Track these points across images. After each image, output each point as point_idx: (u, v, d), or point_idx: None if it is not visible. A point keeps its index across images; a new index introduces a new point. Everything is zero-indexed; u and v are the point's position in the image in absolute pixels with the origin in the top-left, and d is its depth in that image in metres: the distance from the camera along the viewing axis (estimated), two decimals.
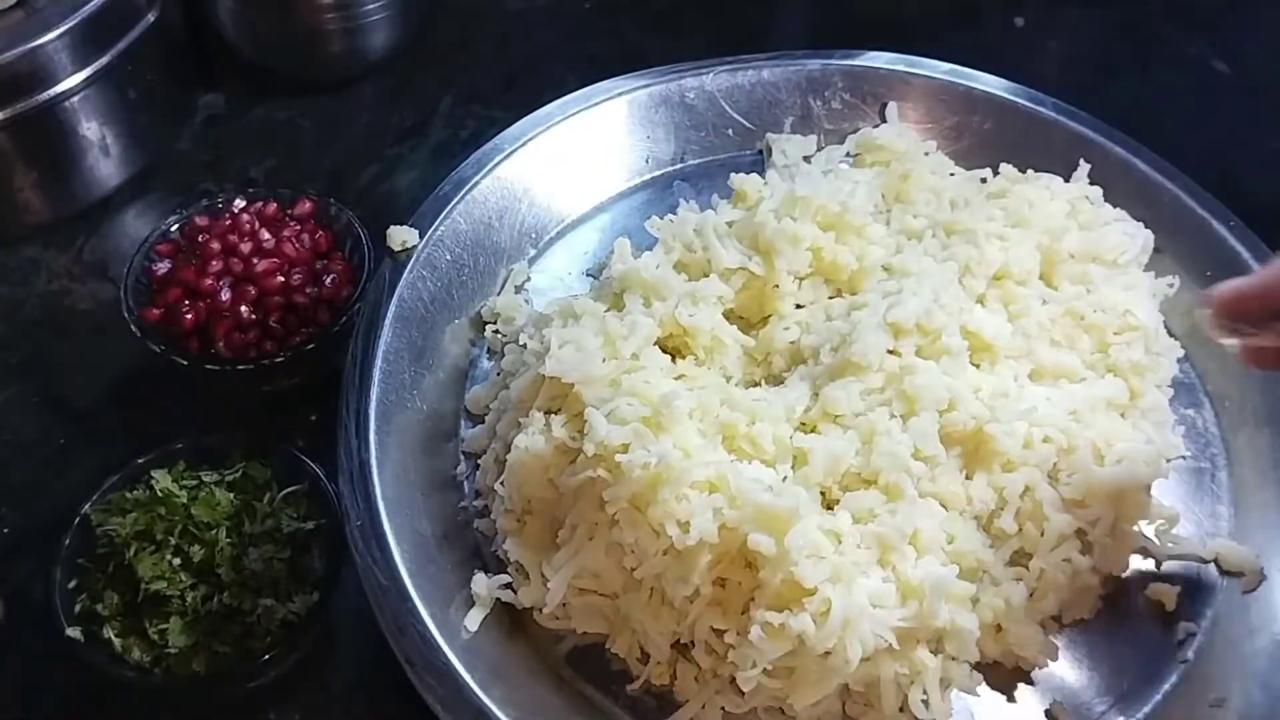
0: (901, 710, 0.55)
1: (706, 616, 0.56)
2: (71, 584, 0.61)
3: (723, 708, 0.57)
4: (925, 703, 0.55)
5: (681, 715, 0.57)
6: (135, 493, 0.64)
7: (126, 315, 0.71)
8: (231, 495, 0.64)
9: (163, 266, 0.74)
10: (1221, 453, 0.68)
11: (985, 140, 0.80)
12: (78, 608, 0.60)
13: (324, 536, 0.63)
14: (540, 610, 0.59)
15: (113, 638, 0.60)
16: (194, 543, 0.62)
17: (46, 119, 0.80)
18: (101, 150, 0.85)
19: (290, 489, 0.65)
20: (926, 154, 0.79)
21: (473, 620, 0.58)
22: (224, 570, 0.61)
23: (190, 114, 0.95)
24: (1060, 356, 0.65)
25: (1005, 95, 0.81)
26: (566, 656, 0.59)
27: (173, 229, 0.76)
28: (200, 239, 0.75)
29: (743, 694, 0.56)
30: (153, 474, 0.64)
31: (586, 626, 0.59)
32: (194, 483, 0.64)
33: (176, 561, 0.61)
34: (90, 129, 0.83)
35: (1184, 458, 0.67)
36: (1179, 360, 0.69)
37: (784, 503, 0.54)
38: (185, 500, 0.63)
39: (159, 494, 0.63)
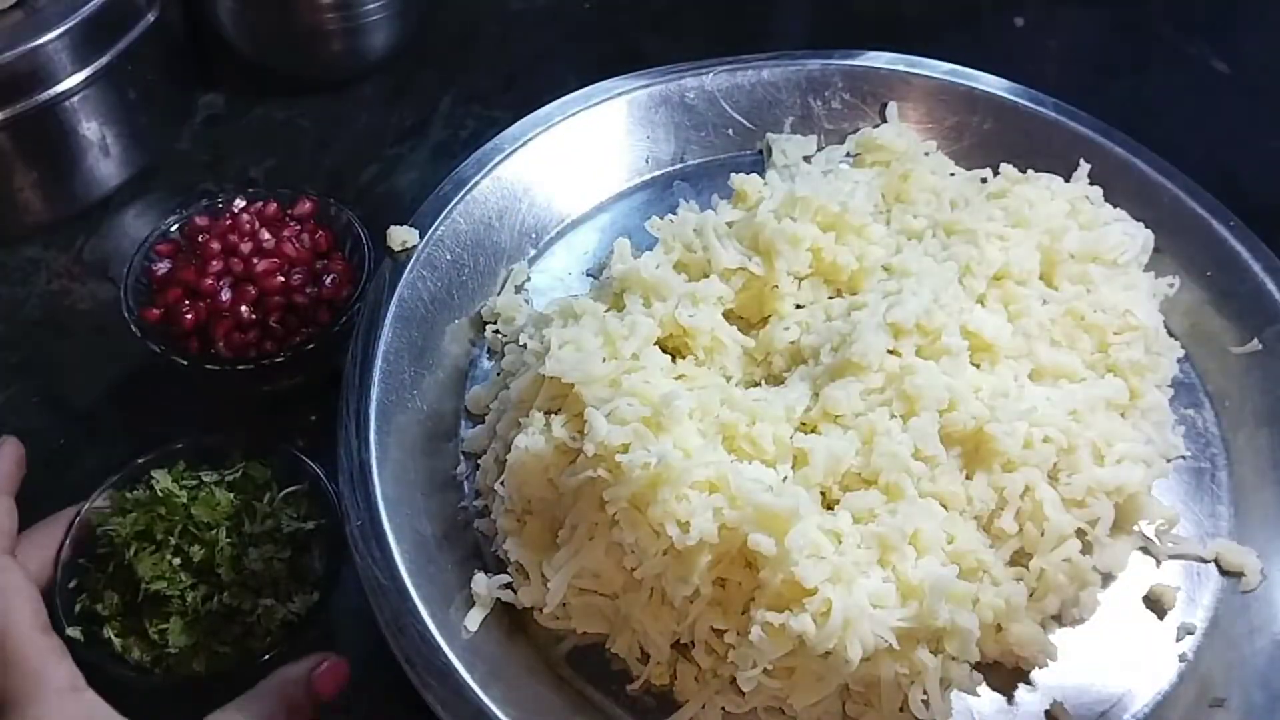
0: (901, 710, 0.55)
1: (706, 616, 0.56)
2: (71, 584, 0.61)
3: (723, 708, 0.57)
4: (925, 703, 0.55)
5: (681, 715, 0.57)
6: (135, 493, 0.64)
7: (126, 315, 0.71)
8: (231, 495, 0.64)
9: (163, 266, 0.74)
10: (1221, 453, 0.68)
11: (985, 140, 0.81)
12: (77, 608, 0.60)
13: (324, 536, 0.63)
14: (540, 610, 0.59)
15: (112, 637, 0.60)
16: (194, 543, 0.61)
17: (46, 119, 0.80)
18: (101, 150, 0.85)
19: (290, 489, 0.65)
20: (926, 154, 0.79)
21: (473, 620, 0.58)
22: (224, 570, 0.61)
23: (190, 114, 0.95)
24: (1060, 356, 0.65)
25: (1005, 95, 0.81)
26: (566, 656, 0.59)
27: (173, 229, 0.76)
28: (200, 239, 0.75)
29: (743, 694, 0.56)
30: (152, 474, 0.64)
31: (586, 626, 0.59)
32: (194, 483, 0.64)
33: (176, 561, 0.61)
34: (90, 129, 0.83)
35: (1184, 458, 0.67)
36: (1179, 360, 0.69)
37: (784, 503, 0.54)
38: (185, 500, 0.63)
39: (159, 494, 0.63)
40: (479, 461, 0.65)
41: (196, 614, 0.60)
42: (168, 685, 0.59)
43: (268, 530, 0.63)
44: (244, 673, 0.59)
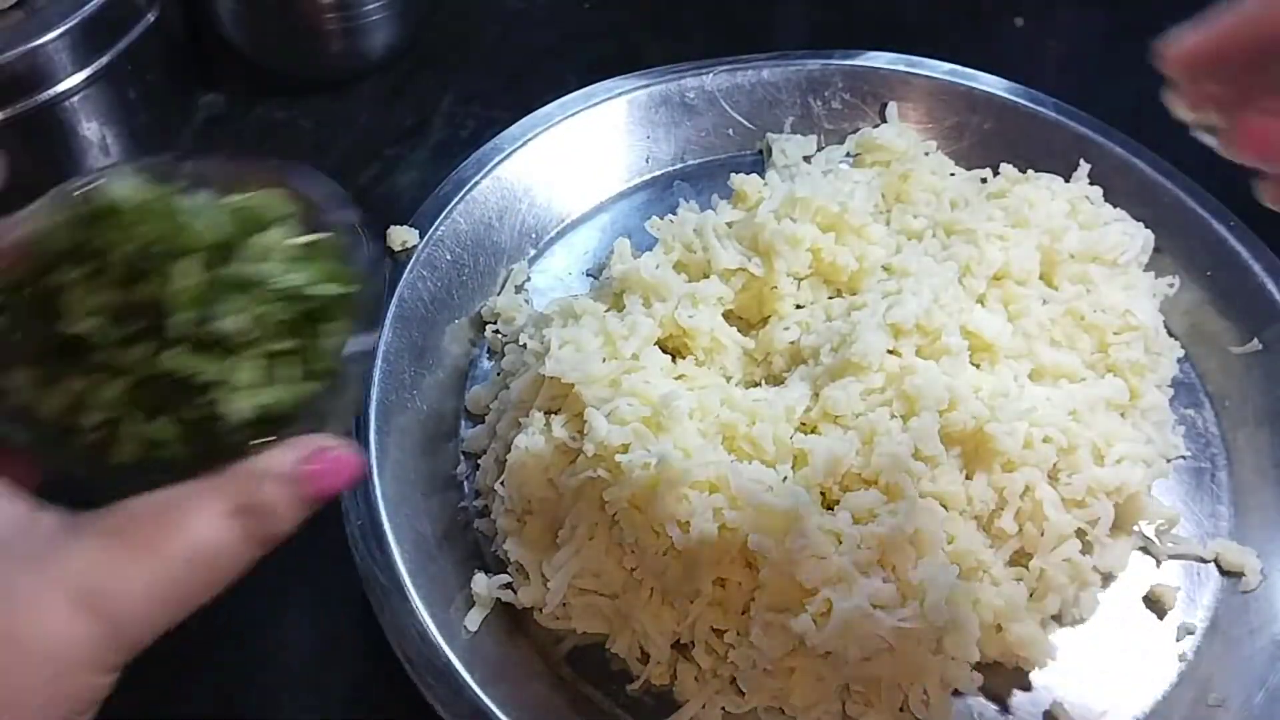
0: (901, 710, 0.55)
1: (706, 616, 0.56)
2: None
3: (723, 708, 0.57)
4: (925, 703, 0.55)
5: (681, 715, 0.57)
6: (82, 196, 0.42)
7: None
8: (222, 222, 0.41)
9: None
10: (1221, 453, 0.68)
11: (985, 140, 0.81)
12: None
13: (348, 310, 0.41)
14: (540, 610, 0.59)
15: (23, 385, 0.40)
16: (147, 275, 0.39)
17: (46, 119, 0.80)
18: (101, 150, 0.85)
19: (313, 236, 0.43)
20: (926, 154, 0.79)
21: (473, 620, 0.58)
22: (181, 317, 0.39)
23: (190, 114, 0.95)
24: (1060, 356, 0.65)
25: (1005, 95, 0.81)
26: (566, 656, 0.59)
27: None
28: None
29: (743, 694, 0.56)
30: (109, 178, 0.42)
31: (586, 626, 0.59)
32: (168, 197, 0.42)
33: (114, 299, 0.39)
34: (90, 129, 0.83)
35: (1184, 458, 0.67)
36: (1179, 360, 0.69)
37: (784, 503, 0.54)
38: (146, 215, 0.40)
39: (111, 202, 0.41)
40: (479, 461, 0.66)
41: (135, 377, 0.39)
42: (84, 473, 0.40)
43: (257, 278, 0.40)
44: (194, 473, 0.39)
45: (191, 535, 0.35)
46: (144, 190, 0.41)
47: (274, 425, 0.40)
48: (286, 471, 0.38)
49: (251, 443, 0.38)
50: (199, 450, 0.39)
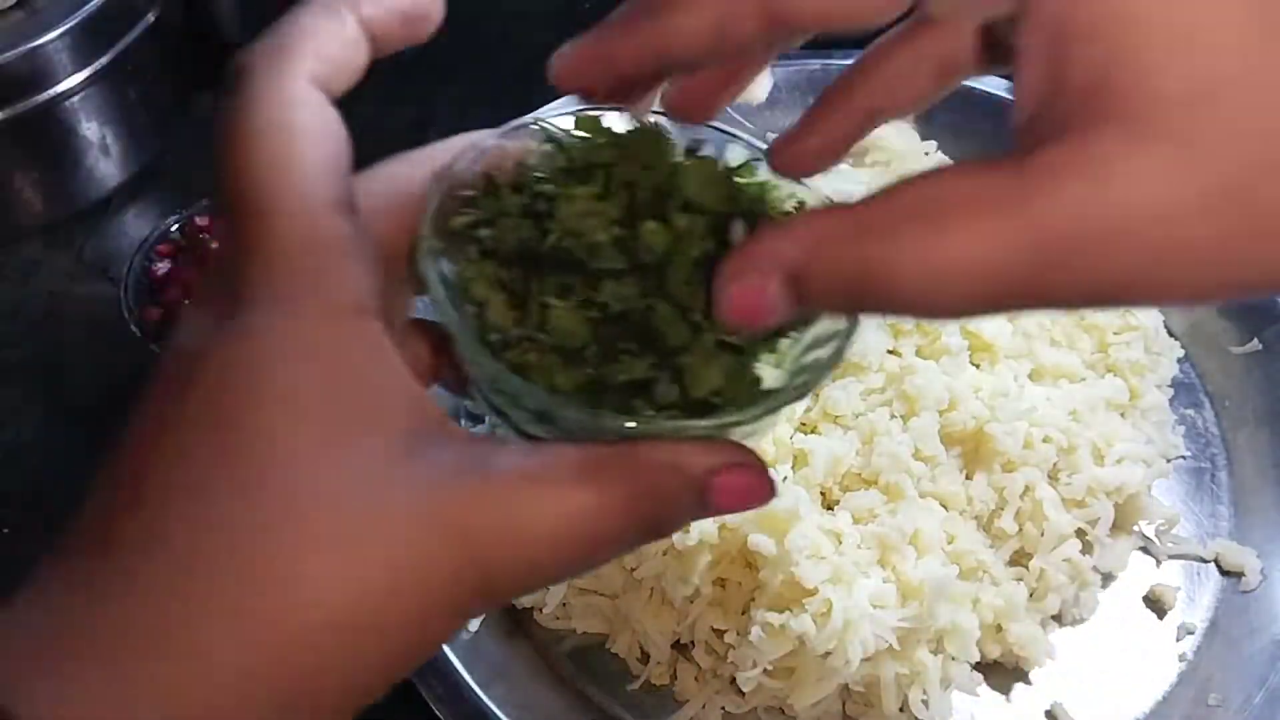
0: (901, 710, 0.55)
1: (706, 616, 0.56)
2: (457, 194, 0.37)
3: (723, 708, 0.57)
4: (925, 703, 0.55)
5: (681, 715, 0.57)
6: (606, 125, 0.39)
7: (126, 315, 0.71)
8: (735, 196, 0.37)
9: (163, 266, 0.74)
10: (1221, 453, 0.68)
11: (985, 140, 0.80)
12: (453, 224, 0.37)
13: (832, 330, 0.37)
14: (540, 610, 0.59)
15: (477, 277, 0.35)
16: (649, 218, 0.36)
17: (46, 119, 0.80)
18: (101, 150, 0.85)
19: None
20: (926, 154, 0.79)
21: (473, 620, 0.58)
22: (674, 273, 0.35)
23: (190, 114, 0.95)
24: (1060, 356, 0.65)
25: (1005, 95, 0.81)
26: (567, 656, 0.59)
27: (173, 229, 0.76)
28: (200, 239, 0.75)
29: (743, 694, 0.56)
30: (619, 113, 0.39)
31: (586, 626, 0.59)
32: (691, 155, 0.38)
33: (616, 231, 0.35)
34: (90, 129, 0.83)
35: (1184, 458, 0.67)
36: (1179, 360, 0.69)
37: (784, 503, 0.54)
38: (674, 157, 0.37)
39: (651, 131, 0.38)
40: None
41: (597, 313, 0.35)
42: (498, 392, 0.34)
43: None
44: (604, 437, 0.32)
45: (585, 509, 0.30)
46: (672, 135, 0.38)
47: (699, 418, 0.34)
48: (698, 475, 0.32)
49: (672, 426, 0.33)
50: (625, 411, 0.33)
